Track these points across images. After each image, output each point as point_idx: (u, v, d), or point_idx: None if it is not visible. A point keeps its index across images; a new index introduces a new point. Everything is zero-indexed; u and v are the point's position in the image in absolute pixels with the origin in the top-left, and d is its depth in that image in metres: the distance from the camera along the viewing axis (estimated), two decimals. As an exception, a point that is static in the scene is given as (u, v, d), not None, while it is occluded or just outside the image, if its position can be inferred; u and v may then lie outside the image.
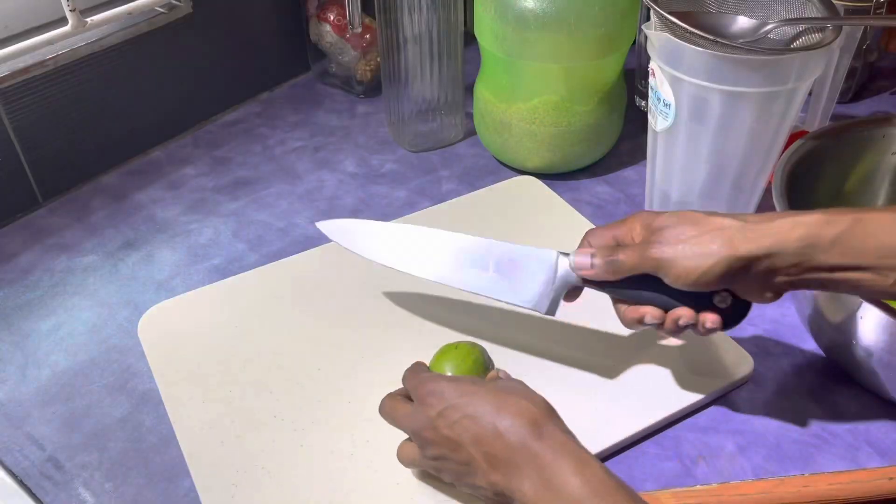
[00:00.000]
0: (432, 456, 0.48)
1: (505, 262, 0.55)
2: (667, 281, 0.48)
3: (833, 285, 0.45)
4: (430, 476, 0.53)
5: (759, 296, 0.48)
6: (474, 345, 0.57)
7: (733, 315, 0.50)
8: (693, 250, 0.46)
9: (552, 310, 0.55)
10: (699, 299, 0.50)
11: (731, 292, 0.49)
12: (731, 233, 0.45)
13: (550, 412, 0.45)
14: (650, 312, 0.50)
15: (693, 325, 0.50)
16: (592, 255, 0.51)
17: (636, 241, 0.50)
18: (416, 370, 0.52)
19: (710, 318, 0.49)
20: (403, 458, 0.52)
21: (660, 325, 0.51)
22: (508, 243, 0.57)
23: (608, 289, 0.53)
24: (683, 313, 0.50)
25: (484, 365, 0.56)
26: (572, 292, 0.55)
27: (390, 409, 0.51)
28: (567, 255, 0.54)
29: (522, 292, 0.55)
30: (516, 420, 0.43)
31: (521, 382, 0.49)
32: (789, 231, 0.44)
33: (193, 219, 0.78)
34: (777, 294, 0.48)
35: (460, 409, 0.45)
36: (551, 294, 0.54)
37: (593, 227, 0.54)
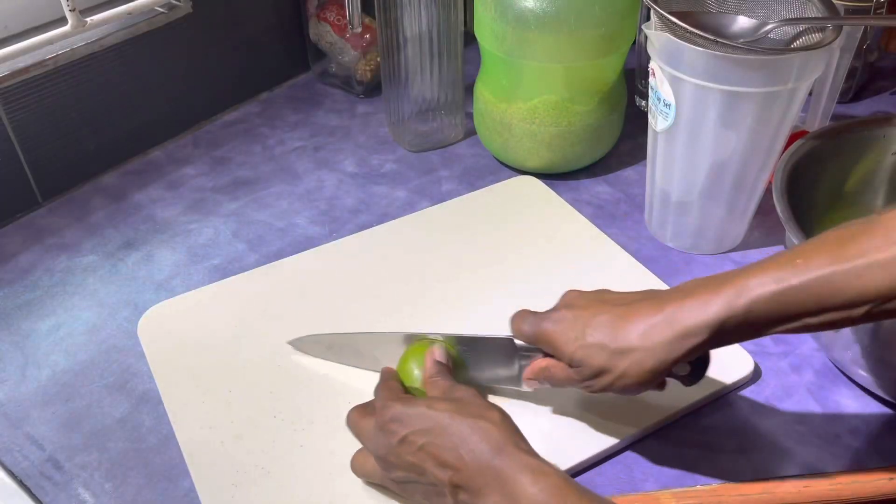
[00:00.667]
0: (398, 479, 0.48)
1: (472, 353, 0.57)
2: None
3: None
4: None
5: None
6: (436, 340, 0.56)
7: (695, 373, 0.52)
8: (619, 375, 0.48)
9: (526, 389, 0.56)
10: None
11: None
12: (648, 359, 0.46)
13: (509, 429, 0.46)
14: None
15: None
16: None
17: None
18: (384, 386, 0.52)
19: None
20: (357, 469, 0.52)
21: None
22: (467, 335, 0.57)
23: None
24: None
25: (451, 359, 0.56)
26: None
27: (354, 423, 0.52)
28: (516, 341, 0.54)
29: (500, 378, 0.57)
30: (479, 443, 0.44)
31: (472, 393, 0.49)
32: (693, 333, 0.45)
33: (193, 219, 0.78)
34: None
35: (422, 436, 0.46)
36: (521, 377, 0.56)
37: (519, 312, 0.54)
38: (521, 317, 0.53)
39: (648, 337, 0.46)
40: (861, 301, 0.42)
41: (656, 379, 0.48)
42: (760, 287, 0.44)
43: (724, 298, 0.44)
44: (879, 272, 0.41)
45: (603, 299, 0.51)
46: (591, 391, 0.50)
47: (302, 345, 0.62)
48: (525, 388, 0.56)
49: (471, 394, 0.49)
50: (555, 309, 0.52)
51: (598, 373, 0.48)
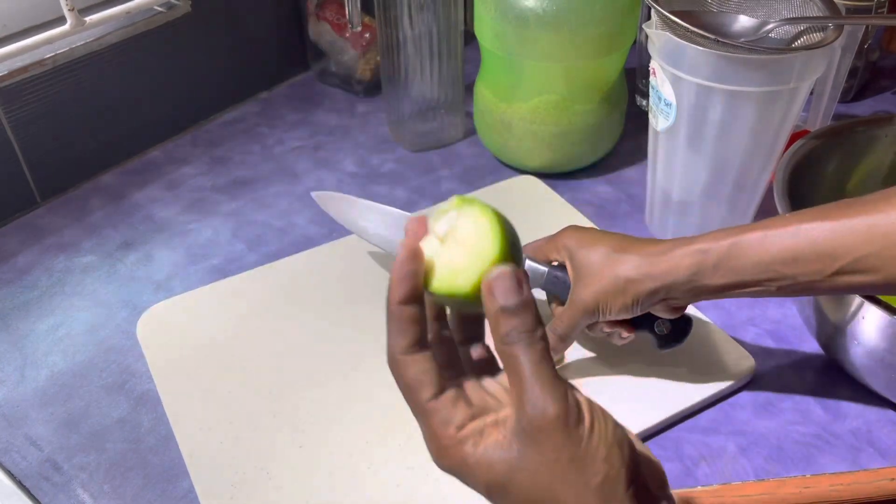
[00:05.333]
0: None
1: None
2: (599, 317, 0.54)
3: (728, 296, 0.51)
4: (430, 477, 0.53)
5: (666, 313, 0.54)
6: (494, 216, 0.35)
7: (674, 335, 0.57)
8: (608, 291, 0.52)
9: None
10: (641, 326, 0.57)
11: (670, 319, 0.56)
12: (632, 273, 0.51)
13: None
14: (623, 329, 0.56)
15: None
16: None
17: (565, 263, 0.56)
18: (401, 337, 0.38)
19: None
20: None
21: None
22: None
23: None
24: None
25: (508, 253, 0.35)
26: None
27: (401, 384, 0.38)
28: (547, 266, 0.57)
29: None
30: None
31: (620, 430, 0.34)
32: (679, 262, 0.50)
33: (192, 218, 0.78)
34: (681, 309, 0.55)
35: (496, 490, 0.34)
36: None
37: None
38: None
39: (647, 248, 0.52)
40: (763, 267, 0.47)
41: (647, 291, 0.50)
42: (715, 240, 0.49)
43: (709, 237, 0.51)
44: (777, 240, 0.47)
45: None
46: (575, 306, 0.52)
47: (327, 200, 0.67)
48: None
49: (613, 429, 0.34)
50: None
51: (594, 270, 0.52)
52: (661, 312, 0.54)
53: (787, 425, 0.57)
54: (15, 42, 0.69)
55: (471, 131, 0.88)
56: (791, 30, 0.63)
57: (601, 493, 0.32)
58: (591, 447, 0.32)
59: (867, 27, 0.85)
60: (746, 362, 0.60)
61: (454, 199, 0.36)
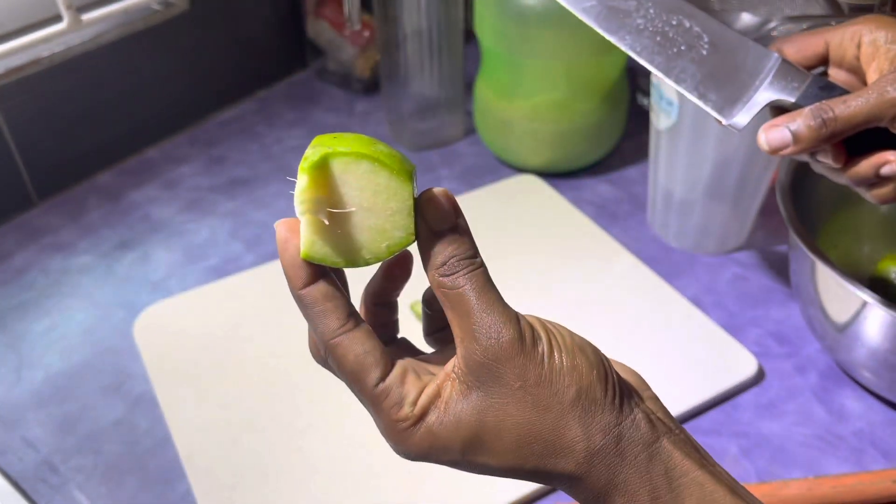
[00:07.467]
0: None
1: (708, 44, 0.44)
2: None
3: None
4: (429, 480, 0.52)
5: None
6: (389, 156, 0.32)
7: None
8: None
9: (738, 122, 0.44)
10: None
11: None
12: None
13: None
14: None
15: None
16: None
17: (863, 67, 0.41)
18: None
19: None
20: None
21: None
22: (717, 23, 0.45)
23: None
24: None
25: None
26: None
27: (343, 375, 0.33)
28: (786, 66, 0.43)
29: (712, 89, 0.44)
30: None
31: (579, 337, 0.32)
32: None
33: (190, 218, 0.77)
34: None
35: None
36: (746, 103, 0.44)
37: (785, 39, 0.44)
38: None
39: None
40: None
41: None
42: None
43: None
44: None
45: None
46: None
47: None
48: (764, 139, 0.43)
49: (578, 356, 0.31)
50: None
51: None
52: None
53: (789, 427, 0.57)
54: (11, 41, 0.69)
55: (471, 130, 0.87)
56: (794, 28, 0.62)
57: (581, 407, 0.30)
58: (555, 363, 0.30)
59: (869, 25, 0.84)
60: (748, 363, 0.60)
61: (315, 156, 0.30)
